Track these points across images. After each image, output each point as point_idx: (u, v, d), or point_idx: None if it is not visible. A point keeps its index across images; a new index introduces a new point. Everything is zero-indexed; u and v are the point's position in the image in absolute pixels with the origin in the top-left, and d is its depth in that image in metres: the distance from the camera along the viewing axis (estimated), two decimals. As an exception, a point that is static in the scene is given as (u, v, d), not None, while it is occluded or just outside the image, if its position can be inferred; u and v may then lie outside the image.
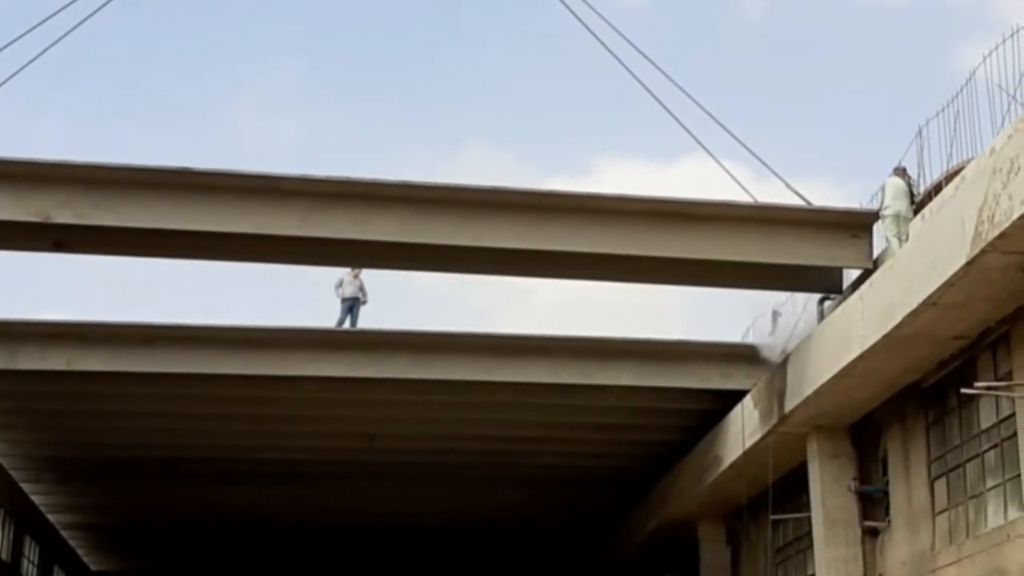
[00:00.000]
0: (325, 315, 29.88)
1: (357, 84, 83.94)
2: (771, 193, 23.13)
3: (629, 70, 23.21)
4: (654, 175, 79.71)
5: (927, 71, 74.55)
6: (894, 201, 22.12)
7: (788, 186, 22.72)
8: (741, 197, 22.76)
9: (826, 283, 23.43)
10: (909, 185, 22.44)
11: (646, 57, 23.09)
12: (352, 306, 29.67)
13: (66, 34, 21.26)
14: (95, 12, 21.50)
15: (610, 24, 23.44)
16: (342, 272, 29.50)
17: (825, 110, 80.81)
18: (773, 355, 25.50)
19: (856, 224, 22.70)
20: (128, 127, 79.33)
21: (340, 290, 29.85)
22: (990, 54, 19.85)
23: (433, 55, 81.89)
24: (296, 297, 73.54)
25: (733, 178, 23.09)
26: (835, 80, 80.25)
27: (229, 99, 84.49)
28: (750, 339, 27.95)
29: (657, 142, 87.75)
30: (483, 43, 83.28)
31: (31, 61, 21.23)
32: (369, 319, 30.01)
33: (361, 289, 29.77)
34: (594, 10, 23.47)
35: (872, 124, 73.58)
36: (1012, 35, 19.31)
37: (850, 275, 23.24)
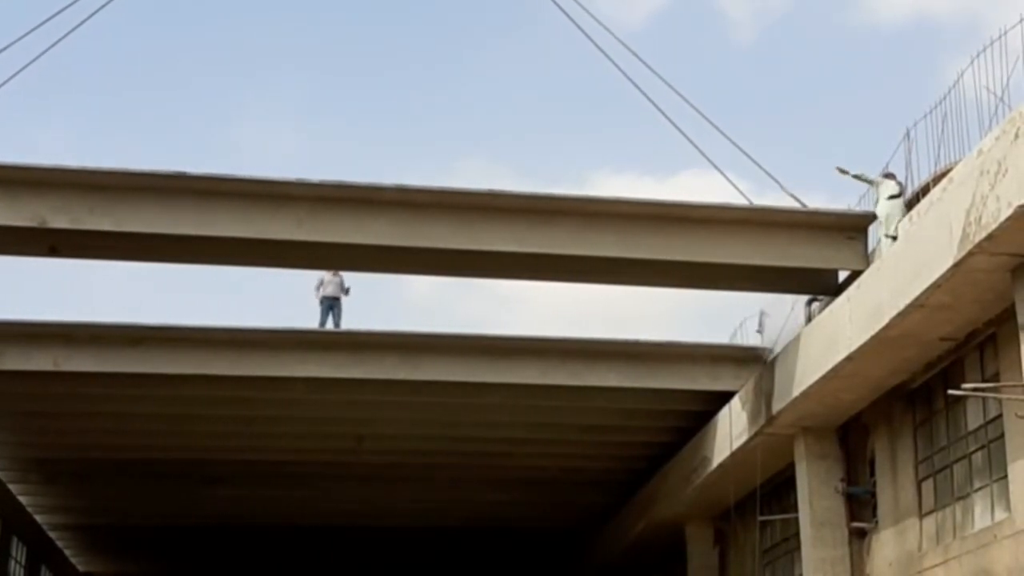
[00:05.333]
0: (308, 315, 29.89)
1: (355, 99, 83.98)
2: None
3: (633, 82, 23.38)
4: (652, 189, 79.89)
5: (923, 89, 74.95)
6: (890, 203, 22.24)
7: (783, 188, 22.87)
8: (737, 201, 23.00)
9: (822, 285, 23.53)
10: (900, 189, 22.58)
11: (650, 68, 23.26)
12: (332, 305, 29.58)
13: (67, 34, 21.35)
14: (94, 14, 21.54)
15: (616, 37, 23.65)
16: (320, 273, 29.40)
17: (820, 127, 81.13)
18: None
19: (851, 226, 22.83)
20: (129, 136, 79.32)
21: (320, 290, 29.72)
22: (977, 56, 20.00)
23: (432, 69, 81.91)
24: (278, 298, 73.51)
25: (733, 184, 23.38)
26: (829, 98, 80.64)
27: (230, 111, 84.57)
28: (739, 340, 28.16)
29: (655, 157, 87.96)
30: (481, 57, 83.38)
31: (30, 63, 21.29)
32: (359, 323, 30.04)
33: (342, 286, 29.67)
34: (600, 23, 23.70)
35: (866, 139, 73.85)
36: (1000, 37, 19.47)
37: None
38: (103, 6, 21.93)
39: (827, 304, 22.91)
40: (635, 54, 23.22)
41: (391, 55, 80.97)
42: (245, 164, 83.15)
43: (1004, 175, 16.68)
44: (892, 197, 22.28)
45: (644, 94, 23.36)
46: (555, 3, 23.98)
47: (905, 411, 22.74)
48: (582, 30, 23.77)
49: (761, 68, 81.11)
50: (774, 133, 75.19)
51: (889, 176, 22.72)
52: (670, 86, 23.07)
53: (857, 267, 22.49)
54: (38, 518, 38.05)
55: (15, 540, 36.51)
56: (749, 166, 23.02)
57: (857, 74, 79.33)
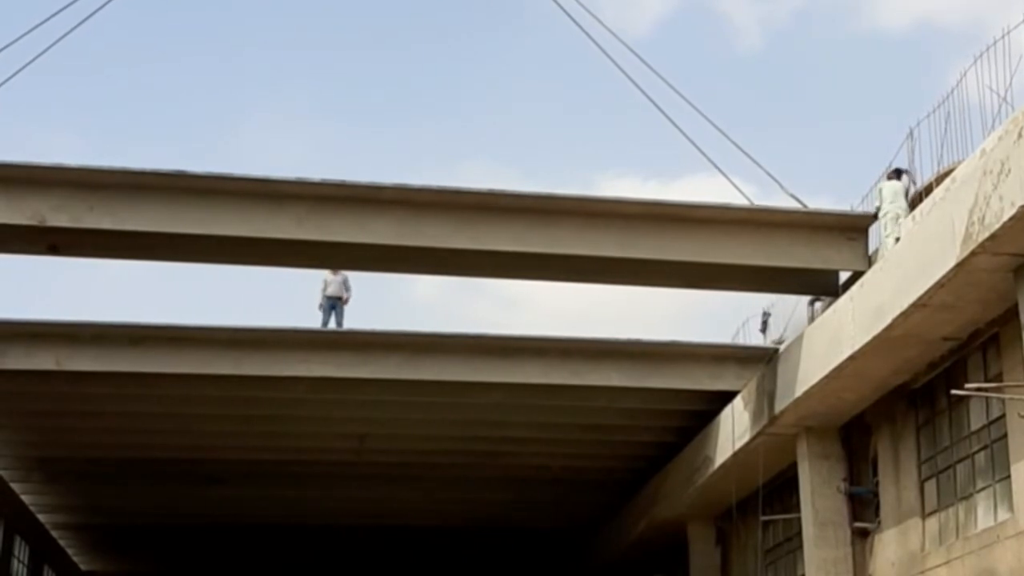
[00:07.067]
0: (312, 314, 29.88)
1: (359, 101, 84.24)
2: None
3: (635, 83, 23.40)
4: (657, 192, 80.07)
5: (927, 92, 75.03)
6: (892, 204, 22.21)
7: (783, 188, 22.88)
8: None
9: (822, 285, 23.54)
10: (906, 186, 22.53)
11: (652, 69, 23.29)
12: (334, 305, 29.53)
13: (66, 34, 21.34)
14: (93, 14, 21.55)
15: (619, 39, 23.66)
16: (323, 273, 29.36)
17: (824, 131, 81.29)
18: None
19: (852, 226, 22.82)
20: (132, 137, 79.57)
21: (323, 290, 29.66)
22: (980, 56, 20.00)
23: (436, 72, 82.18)
24: (284, 297, 73.65)
25: (735, 186, 23.40)
26: (833, 102, 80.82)
27: (236, 115, 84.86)
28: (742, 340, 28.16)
29: (659, 162, 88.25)
30: (486, 60, 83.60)
31: (31, 61, 21.32)
32: (362, 323, 29.99)
33: (345, 285, 29.61)
34: (605, 27, 23.68)
35: (871, 142, 74.05)
36: (1003, 37, 19.46)
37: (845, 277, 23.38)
38: (102, 6, 21.94)
39: (829, 304, 22.89)
40: (638, 55, 23.26)
41: (396, 58, 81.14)
42: (251, 167, 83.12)
43: (1007, 175, 16.65)
44: (894, 201, 22.29)
45: (646, 95, 23.36)
46: (560, 7, 24.00)
47: (908, 411, 22.71)
48: (586, 33, 23.80)
49: (766, 73, 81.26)
50: (778, 137, 75.35)
51: (893, 174, 22.66)
52: (671, 87, 23.10)
53: (858, 268, 22.50)
54: (41, 517, 38.05)
55: (18, 539, 36.51)
56: (754, 170, 23.10)
57: (862, 78, 79.43)
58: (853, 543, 24.16)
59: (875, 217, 22.52)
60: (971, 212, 17.43)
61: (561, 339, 26.86)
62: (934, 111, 21.44)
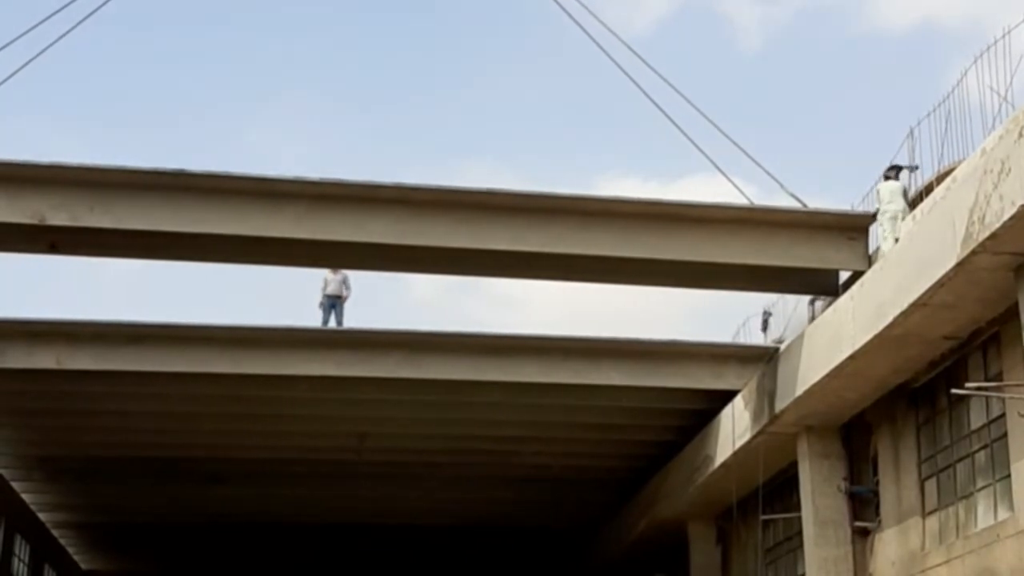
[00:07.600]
0: (312, 313, 29.87)
1: (361, 101, 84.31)
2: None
3: (635, 81, 23.37)
4: (657, 193, 80.00)
5: (929, 93, 74.99)
6: (890, 204, 22.18)
7: (783, 187, 22.85)
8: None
9: (822, 285, 23.51)
10: (904, 185, 22.49)
11: (651, 68, 23.28)
12: (334, 304, 29.54)
13: (69, 31, 21.32)
14: (97, 9, 21.58)
15: (619, 38, 23.64)
16: (323, 272, 29.34)
17: (826, 132, 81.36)
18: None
19: (852, 226, 22.78)
20: (137, 138, 79.72)
21: (323, 289, 29.65)
22: (981, 55, 19.98)
23: (437, 74, 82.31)
24: (285, 296, 73.62)
25: (735, 186, 23.38)
26: (835, 103, 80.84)
27: (240, 115, 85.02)
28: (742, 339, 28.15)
29: (659, 162, 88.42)
30: (487, 61, 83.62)
31: (29, 61, 21.32)
32: (362, 322, 29.97)
33: (345, 283, 29.60)
34: (604, 26, 23.65)
35: (872, 143, 74.15)
36: (1003, 36, 19.44)
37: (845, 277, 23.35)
38: (101, 6, 21.96)
39: (830, 303, 22.87)
40: (639, 56, 23.24)
41: (398, 56, 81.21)
42: (253, 165, 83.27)
43: (1007, 174, 16.64)
44: (890, 202, 22.26)
45: (647, 95, 23.33)
46: (561, 7, 23.99)
47: (908, 410, 22.70)
48: (587, 33, 23.78)
49: (766, 73, 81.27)
50: (779, 137, 75.36)
51: (891, 175, 22.61)
52: (672, 87, 23.07)
53: (858, 267, 22.47)
54: (41, 516, 38.08)
55: (18, 538, 36.50)
56: (754, 170, 23.07)
57: (864, 79, 79.44)
58: (853, 542, 24.14)
59: (875, 217, 22.49)
60: (971, 211, 17.42)
61: (561, 338, 26.86)
62: (934, 110, 21.45)
